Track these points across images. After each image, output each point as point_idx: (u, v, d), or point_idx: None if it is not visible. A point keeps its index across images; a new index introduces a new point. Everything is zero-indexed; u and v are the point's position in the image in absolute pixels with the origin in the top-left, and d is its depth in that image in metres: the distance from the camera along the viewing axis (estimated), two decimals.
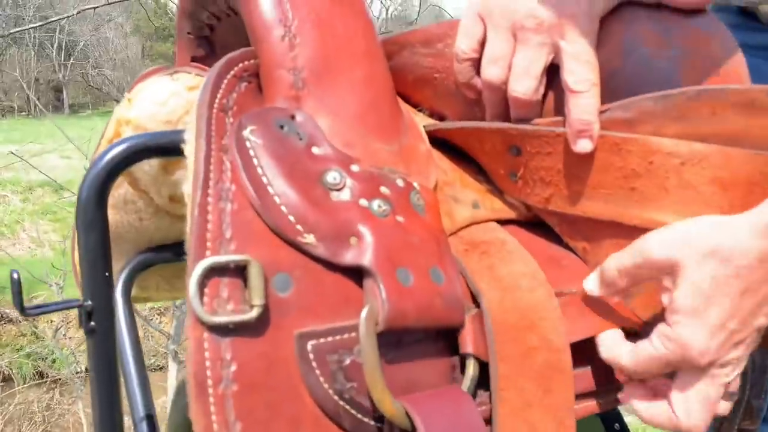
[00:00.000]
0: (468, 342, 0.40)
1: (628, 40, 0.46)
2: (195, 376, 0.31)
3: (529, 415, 0.40)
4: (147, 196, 0.57)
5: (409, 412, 0.35)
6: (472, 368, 0.40)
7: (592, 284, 0.44)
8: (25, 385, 2.36)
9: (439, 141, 0.53)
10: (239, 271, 0.33)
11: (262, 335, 0.33)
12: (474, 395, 0.40)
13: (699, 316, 0.39)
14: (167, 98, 0.52)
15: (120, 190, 0.57)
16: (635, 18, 0.46)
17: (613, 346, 0.43)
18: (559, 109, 0.46)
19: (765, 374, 0.55)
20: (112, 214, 0.59)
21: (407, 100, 0.54)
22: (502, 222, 0.51)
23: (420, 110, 0.54)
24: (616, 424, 0.82)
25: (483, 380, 0.41)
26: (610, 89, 0.46)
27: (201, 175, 0.34)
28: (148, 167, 0.54)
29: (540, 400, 0.41)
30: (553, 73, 0.47)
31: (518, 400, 0.40)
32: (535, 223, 0.52)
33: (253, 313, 0.33)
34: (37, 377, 2.45)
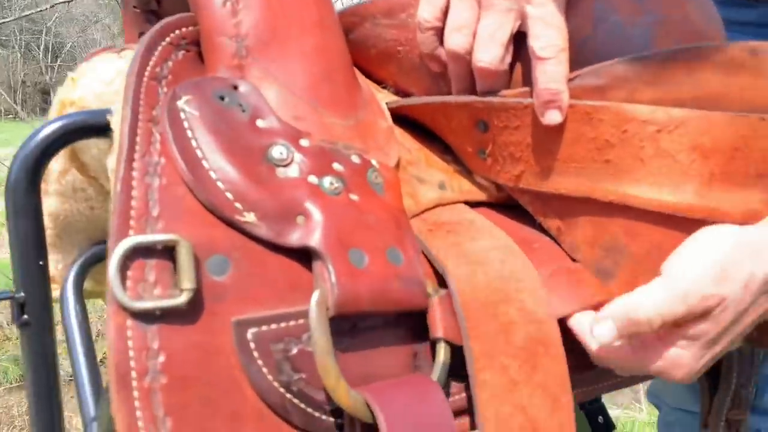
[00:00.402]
0: (438, 325, 0.36)
1: (599, 7, 0.43)
2: (116, 368, 0.28)
3: (516, 396, 0.36)
4: (97, 183, 0.54)
5: (369, 402, 0.32)
6: (442, 354, 0.36)
7: (607, 334, 0.38)
8: (4, 388, 2.31)
9: (405, 120, 0.50)
10: (168, 252, 0.30)
11: (195, 323, 0.30)
12: (447, 386, 0.37)
13: (705, 342, 0.37)
14: (113, 77, 0.49)
15: (68, 176, 0.54)
16: None
17: (587, 327, 0.40)
18: (528, 79, 0.43)
19: (753, 364, 0.52)
20: (61, 203, 0.55)
21: (370, 77, 0.51)
22: (472, 204, 0.48)
23: (384, 87, 0.51)
24: (600, 417, 0.80)
25: (455, 370, 0.37)
26: (581, 59, 0.43)
27: (125, 146, 0.31)
28: (96, 151, 0.50)
29: (528, 378, 0.37)
30: (520, 41, 0.44)
31: (501, 381, 0.36)
32: (506, 205, 0.49)
33: (183, 298, 0.29)
34: (19, 380, 2.40)
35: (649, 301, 0.36)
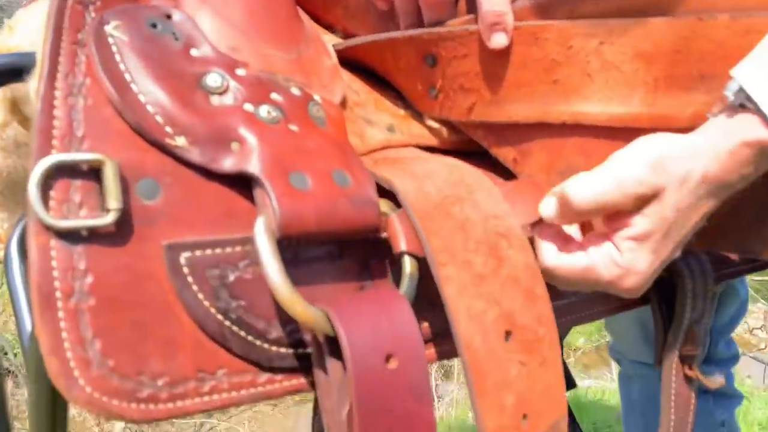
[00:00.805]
0: (400, 238, 0.35)
1: None
2: (38, 288, 0.27)
3: (487, 290, 0.35)
4: None
5: (329, 316, 0.31)
6: (408, 266, 0.35)
7: (550, 210, 0.39)
8: None
9: (356, 67, 0.49)
10: (94, 174, 0.29)
11: (124, 245, 0.30)
12: (418, 309, 0.36)
13: (651, 245, 0.37)
14: None
15: (9, 131, 0.52)
16: None
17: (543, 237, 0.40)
18: (473, 6, 0.43)
19: (706, 300, 0.53)
20: (3, 158, 0.54)
21: (318, 21, 0.50)
22: (422, 149, 0.48)
23: (333, 32, 0.51)
24: None
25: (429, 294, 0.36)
26: None
27: (47, 65, 0.30)
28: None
29: (495, 271, 0.36)
30: None
31: (466, 276, 0.35)
32: (458, 151, 0.49)
33: (110, 218, 0.29)
34: None
35: (588, 185, 0.37)
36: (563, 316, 0.48)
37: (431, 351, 0.39)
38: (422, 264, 0.36)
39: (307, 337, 0.34)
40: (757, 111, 0.34)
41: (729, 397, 0.83)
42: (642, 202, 0.36)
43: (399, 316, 0.32)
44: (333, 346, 0.31)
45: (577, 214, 0.38)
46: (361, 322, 0.31)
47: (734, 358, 0.83)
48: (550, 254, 0.39)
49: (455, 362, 1.96)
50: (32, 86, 0.32)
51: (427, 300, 0.37)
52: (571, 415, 0.85)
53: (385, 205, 0.37)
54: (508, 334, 0.35)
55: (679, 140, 0.37)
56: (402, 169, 0.39)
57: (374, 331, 0.31)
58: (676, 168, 0.36)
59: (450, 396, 1.98)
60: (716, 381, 0.52)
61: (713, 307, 0.76)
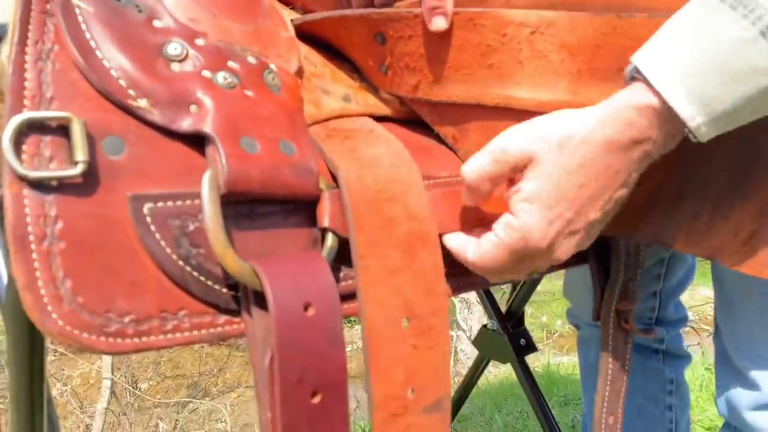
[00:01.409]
0: (325, 216, 0.40)
1: None
2: (14, 230, 0.30)
3: (396, 281, 0.40)
4: None
5: (255, 270, 0.35)
6: (330, 240, 0.40)
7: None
8: None
9: (314, 40, 0.52)
10: (62, 131, 0.33)
11: (92, 195, 0.33)
12: (337, 269, 0.41)
13: (542, 203, 0.40)
14: None
15: None
16: None
17: (459, 242, 0.44)
18: None
19: (639, 258, 0.58)
20: None
21: None
22: (377, 118, 0.51)
23: (292, 8, 0.54)
24: (522, 340, 0.86)
25: (348, 258, 0.41)
26: None
27: (17, 32, 0.33)
28: None
29: (406, 267, 0.41)
30: None
31: (381, 268, 0.40)
32: (410, 120, 0.53)
33: (78, 169, 0.32)
34: None
35: (471, 161, 0.42)
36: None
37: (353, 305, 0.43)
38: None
39: None
40: (644, 80, 0.37)
41: (678, 357, 0.88)
42: (519, 169, 0.40)
43: (318, 272, 0.36)
44: (260, 300, 0.35)
45: (472, 189, 0.43)
46: (284, 275, 0.34)
47: (683, 320, 0.88)
48: (470, 250, 0.43)
49: None
50: (4, 52, 0.35)
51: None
52: (538, 389, 0.90)
53: (322, 182, 0.40)
54: (406, 320, 0.40)
55: (566, 112, 0.40)
56: (350, 150, 0.43)
57: (295, 282, 0.34)
58: (551, 134, 0.39)
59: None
60: (650, 333, 0.57)
61: (663, 285, 0.80)
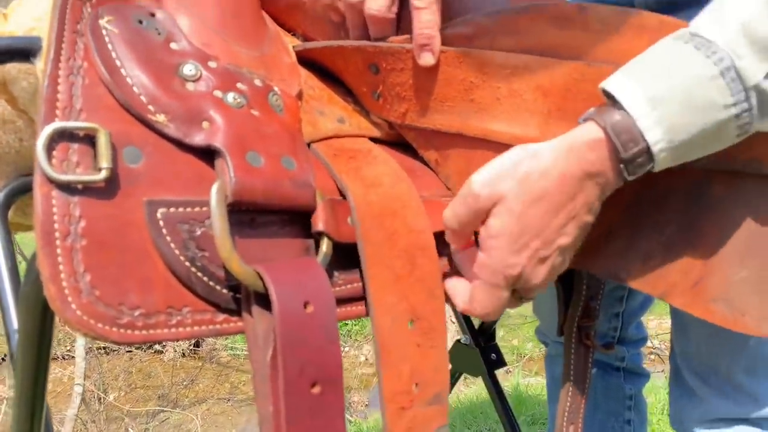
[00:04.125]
0: (319, 221, 0.43)
1: None
2: (42, 226, 0.34)
3: (400, 287, 0.45)
4: (27, 116, 0.58)
5: (259, 273, 0.38)
6: (325, 245, 0.43)
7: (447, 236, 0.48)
8: None
9: (314, 67, 0.57)
10: (89, 140, 0.36)
11: (112, 199, 0.36)
12: (330, 274, 0.45)
13: (508, 237, 0.43)
14: (43, 14, 0.53)
15: None
16: None
17: (451, 292, 0.48)
18: (411, 28, 0.51)
19: (600, 279, 0.63)
20: None
21: (282, 26, 0.58)
22: (371, 140, 0.56)
23: (294, 35, 0.58)
24: (493, 355, 0.90)
25: (345, 262, 0.45)
26: (455, 13, 0.51)
27: (52, 49, 0.37)
28: (26, 84, 0.55)
29: (409, 274, 0.46)
30: None
31: (388, 275, 0.45)
32: (397, 142, 0.57)
33: (101, 175, 0.35)
34: None
35: (449, 207, 0.46)
36: None
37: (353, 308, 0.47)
38: (355, 247, 0.45)
39: None
40: (594, 119, 0.42)
41: (638, 374, 0.93)
42: (487, 211, 0.44)
43: (315, 274, 0.40)
44: (261, 300, 0.38)
45: (455, 234, 0.47)
46: (286, 278, 0.38)
47: (643, 340, 0.93)
48: (459, 302, 0.47)
49: None
50: (40, 66, 0.38)
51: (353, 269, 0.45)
52: (508, 408, 0.94)
53: (318, 193, 0.44)
54: (411, 322, 0.45)
55: (529, 147, 0.44)
56: (356, 170, 0.47)
57: (295, 284, 0.38)
58: (514, 172, 0.43)
59: None
60: (610, 349, 0.62)
61: (624, 306, 0.86)
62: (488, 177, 0.44)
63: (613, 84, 0.42)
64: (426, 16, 0.48)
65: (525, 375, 2.17)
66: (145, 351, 2.67)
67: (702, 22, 0.41)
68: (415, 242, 0.47)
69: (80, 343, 1.47)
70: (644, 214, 0.50)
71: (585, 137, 0.42)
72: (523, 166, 0.43)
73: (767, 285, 0.48)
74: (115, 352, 2.57)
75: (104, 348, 2.54)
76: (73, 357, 1.58)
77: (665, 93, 0.40)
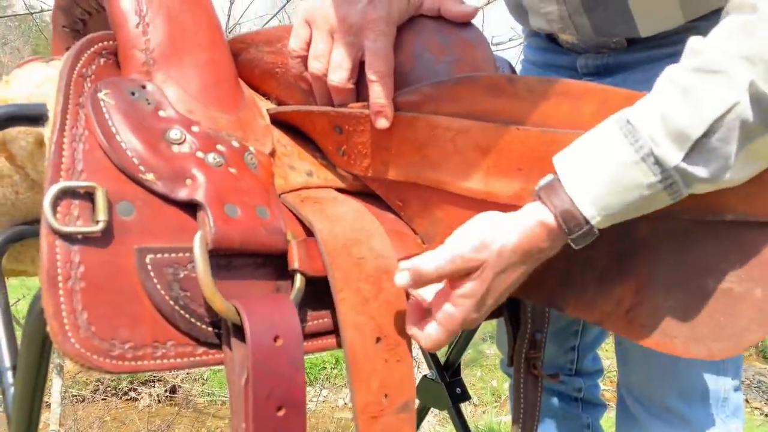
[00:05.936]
0: (294, 260, 0.49)
1: (417, 48, 0.60)
2: (47, 272, 0.39)
3: (368, 309, 0.51)
4: (23, 171, 0.64)
5: (237, 308, 0.44)
6: (298, 281, 0.49)
7: (404, 281, 0.50)
8: None
9: (286, 126, 0.64)
10: (88, 196, 0.42)
11: (107, 247, 0.42)
12: (303, 308, 0.50)
13: (478, 299, 0.50)
14: (42, 81, 0.60)
15: None
16: (424, 29, 0.60)
17: (415, 335, 0.53)
18: (368, 95, 0.59)
19: (544, 312, 0.69)
20: None
21: (257, 90, 0.65)
22: (337, 190, 0.63)
23: (268, 99, 0.66)
24: (458, 389, 0.95)
25: (316, 300, 0.50)
26: (406, 83, 0.59)
27: (58, 121, 0.43)
28: (24, 143, 0.61)
29: (375, 296, 0.52)
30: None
31: (356, 299, 0.50)
32: (362, 192, 0.64)
33: (99, 227, 0.41)
34: None
35: (431, 260, 0.50)
36: None
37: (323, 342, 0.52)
38: (325, 284, 0.50)
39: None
40: (542, 199, 0.49)
41: (595, 405, 0.99)
42: (470, 270, 0.50)
43: (285, 311, 0.45)
44: (238, 332, 0.44)
45: (425, 283, 0.51)
46: (259, 314, 0.44)
47: (599, 372, 0.99)
48: (423, 341, 0.52)
49: None
50: (47, 134, 0.44)
51: (323, 306, 0.51)
52: None
53: (290, 234, 0.51)
54: (378, 339, 0.51)
55: (500, 221, 0.50)
56: (321, 210, 0.54)
57: (267, 320, 0.44)
58: (494, 245, 0.49)
59: None
60: (555, 379, 0.68)
61: (580, 339, 0.92)
62: (473, 243, 0.49)
63: (559, 164, 0.49)
64: (379, 88, 0.56)
65: (498, 413, 2.20)
66: (120, 398, 2.64)
67: (635, 110, 0.48)
68: (382, 266, 0.53)
69: (56, 389, 1.48)
70: (575, 254, 0.57)
71: (541, 223, 0.49)
72: (499, 242, 0.49)
73: (692, 312, 0.54)
74: (90, 400, 2.55)
75: (79, 395, 2.52)
76: (48, 404, 1.58)
77: (596, 177, 0.47)
